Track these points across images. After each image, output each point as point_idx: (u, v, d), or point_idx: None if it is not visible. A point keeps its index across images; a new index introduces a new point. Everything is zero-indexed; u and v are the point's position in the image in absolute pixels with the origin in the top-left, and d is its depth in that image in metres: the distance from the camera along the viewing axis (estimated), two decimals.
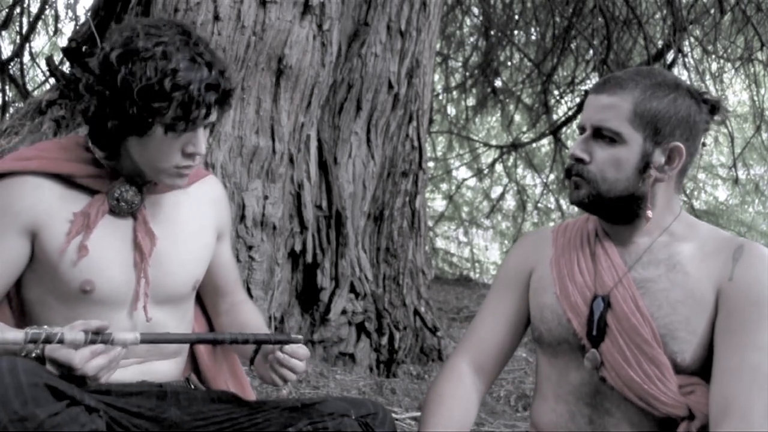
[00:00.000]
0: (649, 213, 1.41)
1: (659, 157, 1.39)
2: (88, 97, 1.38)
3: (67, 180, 1.44)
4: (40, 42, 7.52)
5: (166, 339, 1.37)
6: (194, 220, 1.58)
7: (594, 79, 6.78)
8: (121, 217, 1.47)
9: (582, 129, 1.44)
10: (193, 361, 1.68)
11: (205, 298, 1.72)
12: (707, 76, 6.22)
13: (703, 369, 1.37)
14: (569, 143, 7.73)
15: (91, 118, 1.40)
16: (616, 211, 1.43)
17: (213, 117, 1.41)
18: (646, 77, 1.40)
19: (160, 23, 1.39)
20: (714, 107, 1.44)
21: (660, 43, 5.84)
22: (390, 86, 3.41)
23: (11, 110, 5.76)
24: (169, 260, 1.51)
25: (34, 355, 1.25)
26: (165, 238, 1.51)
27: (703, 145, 1.47)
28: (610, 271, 1.44)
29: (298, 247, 3.13)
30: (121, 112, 1.35)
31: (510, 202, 8.81)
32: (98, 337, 1.26)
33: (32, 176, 1.41)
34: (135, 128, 1.36)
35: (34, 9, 6.36)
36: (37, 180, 1.41)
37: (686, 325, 1.36)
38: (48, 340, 1.23)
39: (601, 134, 1.40)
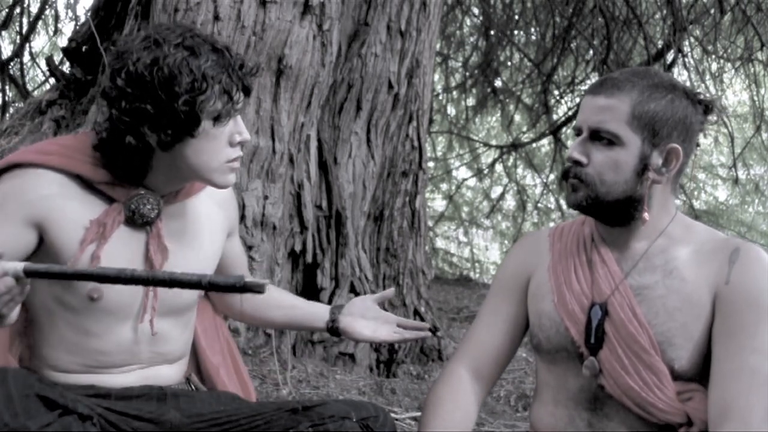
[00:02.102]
0: (646, 215, 1.40)
1: (657, 159, 1.38)
2: (128, 122, 1.34)
3: (85, 182, 1.41)
4: (40, 42, 7.52)
5: (51, 273, 1.21)
6: (206, 228, 1.56)
7: (594, 79, 6.77)
8: (136, 229, 1.44)
9: (578, 131, 1.43)
10: (196, 360, 1.67)
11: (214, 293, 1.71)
12: (707, 76, 6.21)
13: (700, 374, 1.36)
14: (569, 143, 7.72)
15: (129, 144, 1.37)
16: (614, 214, 1.42)
17: (247, 100, 1.43)
18: (642, 78, 1.39)
19: (163, 28, 1.37)
20: (708, 107, 1.42)
21: (660, 43, 5.83)
22: (390, 86, 3.41)
23: (11, 110, 5.75)
24: None
25: None
26: (176, 251, 1.48)
27: (697, 144, 1.46)
28: (607, 278, 1.43)
29: (298, 247, 3.13)
30: (171, 118, 1.32)
31: (510, 202, 8.80)
32: None
33: (50, 170, 1.38)
34: (187, 129, 1.34)
35: (34, 9, 6.36)
36: (54, 175, 1.39)
37: (683, 332, 1.35)
38: None
39: (598, 136, 1.38)
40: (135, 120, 1.34)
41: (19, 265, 1.19)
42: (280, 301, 1.75)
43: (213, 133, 1.38)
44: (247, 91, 1.41)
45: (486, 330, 1.58)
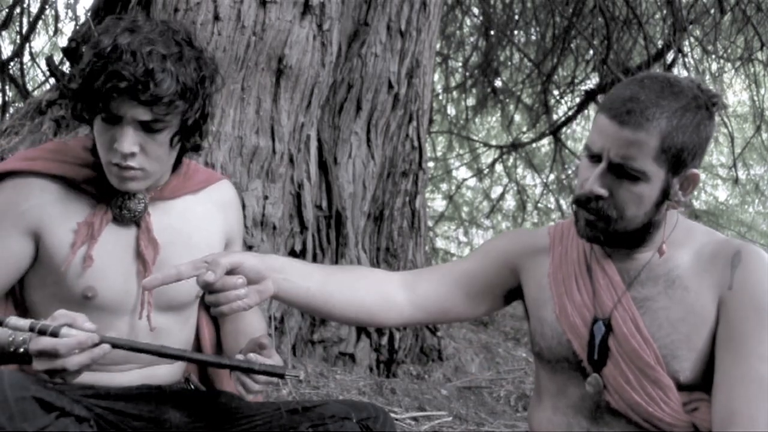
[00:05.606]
0: (664, 247, 1.36)
1: (676, 186, 1.34)
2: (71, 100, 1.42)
3: (70, 184, 1.43)
4: (40, 42, 7.52)
5: (131, 346, 1.28)
6: (202, 226, 1.56)
7: (594, 79, 6.77)
8: (125, 225, 1.46)
9: (596, 157, 1.33)
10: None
11: None
12: (707, 76, 6.21)
13: (704, 382, 1.34)
14: (569, 143, 7.73)
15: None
16: (628, 241, 1.38)
17: (140, 115, 1.34)
18: (670, 99, 1.28)
19: (128, 19, 1.39)
20: (715, 105, 1.36)
21: (660, 43, 5.83)
22: (390, 86, 3.41)
23: (11, 110, 5.74)
24: None
25: (22, 350, 1.23)
26: (170, 245, 1.49)
27: None
28: (609, 290, 1.40)
29: (298, 247, 3.13)
30: (83, 101, 1.38)
31: (510, 202, 8.80)
32: (47, 329, 1.19)
33: (37, 177, 1.41)
34: (81, 113, 1.40)
35: (34, 9, 6.34)
36: (41, 182, 1.41)
37: (687, 343, 1.33)
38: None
39: (623, 171, 1.30)
40: (68, 98, 1.41)
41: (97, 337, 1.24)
42: (246, 327, 1.64)
43: (99, 128, 1.39)
44: (136, 98, 1.32)
45: (442, 269, 1.59)
